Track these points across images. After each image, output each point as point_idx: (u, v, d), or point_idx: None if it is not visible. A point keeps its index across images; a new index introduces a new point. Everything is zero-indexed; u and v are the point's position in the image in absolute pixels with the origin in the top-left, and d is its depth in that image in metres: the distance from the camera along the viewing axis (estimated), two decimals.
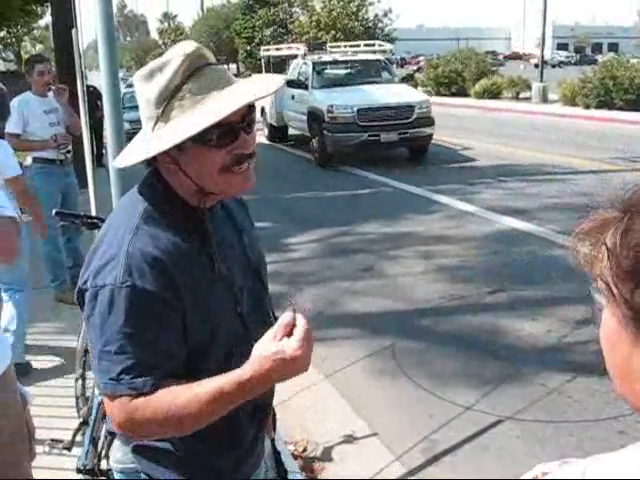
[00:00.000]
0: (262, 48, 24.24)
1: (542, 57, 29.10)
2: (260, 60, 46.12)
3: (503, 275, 6.61)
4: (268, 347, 1.38)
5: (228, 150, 1.45)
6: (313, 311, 5.86)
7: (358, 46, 19.24)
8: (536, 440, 3.87)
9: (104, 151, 12.81)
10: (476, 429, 4.00)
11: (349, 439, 3.95)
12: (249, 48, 47.55)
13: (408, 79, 19.96)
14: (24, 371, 4.36)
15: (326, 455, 3.82)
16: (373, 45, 18.84)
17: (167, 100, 1.45)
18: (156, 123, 1.47)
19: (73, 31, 5.20)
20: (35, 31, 40.51)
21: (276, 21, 45.17)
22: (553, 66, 59.48)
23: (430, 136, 13.91)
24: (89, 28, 3.02)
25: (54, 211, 3.44)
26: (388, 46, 18.85)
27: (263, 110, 18.09)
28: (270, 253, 7.37)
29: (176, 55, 1.45)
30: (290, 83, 15.51)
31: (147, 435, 1.53)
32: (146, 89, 1.47)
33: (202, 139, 1.43)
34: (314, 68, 15.59)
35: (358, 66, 16.48)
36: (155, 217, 1.49)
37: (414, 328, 5.58)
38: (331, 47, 19.00)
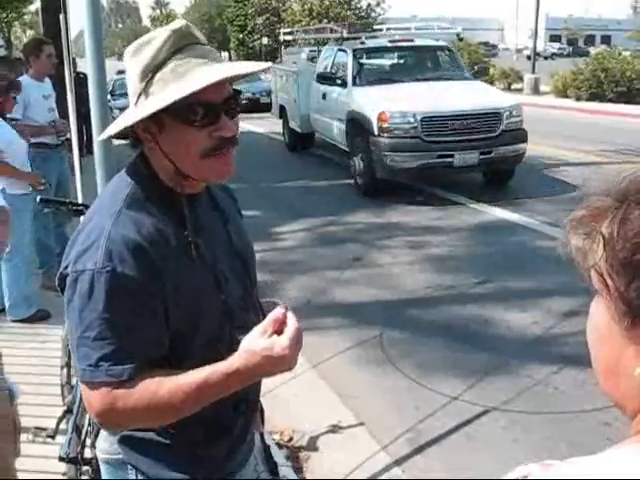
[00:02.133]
0: (282, 32, 19.68)
1: (534, 49, 29.08)
2: (252, 48, 46.03)
3: (491, 266, 6.61)
4: (257, 342, 1.38)
5: (209, 132, 1.43)
6: (301, 300, 5.86)
7: (408, 29, 14.49)
8: (522, 430, 3.88)
9: None
10: (462, 419, 4.01)
11: (335, 428, 3.95)
12: (241, 36, 47.37)
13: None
14: (45, 316, 5.28)
15: (312, 444, 3.81)
16: (432, 28, 14.08)
17: (151, 75, 1.43)
18: (139, 98, 1.45)
19: (61, 16, 5.14)
20: (25, 16, 40.15)
21: (268, 9, 44.94)
22: (545, 58, 59.46)
23: (522, 156, 9.84)
24: (79, 14, 2.99)
25: (38, 198, 3.40)
26: (455, 29, 13.98)
27: (283, 110, 14.48)
28: (259, 242, 7.33)
29: (163, 31, 1.45)
30: (320, 78, 12.07)
31: (126, 425, 1.50)
32: (132, 64, 1.46)
33: (183, 117, 1.41)
34: (355, 57, 11.26)
35: (414, 55, 12.20)
36: (138, 202, 1.47)
37: (402, 318, 5.57)
38: (372, 30, 13.89)
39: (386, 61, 12.26)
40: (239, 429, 1.67)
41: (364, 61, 11.66)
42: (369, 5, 38.96)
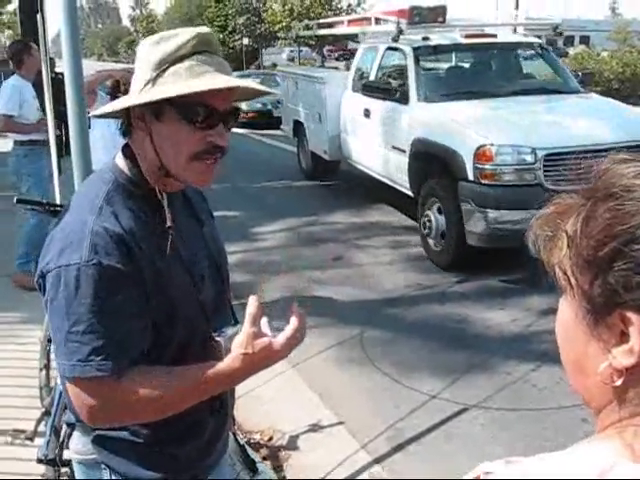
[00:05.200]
0: (296, 26, 14.66)
1: None
2: (233, 49, 45.91)
3: (471, 264, 6.64)
4: (255, 343, 1.41)
5: (203, 136, 1.45)
6: (281, 300, 5.86)
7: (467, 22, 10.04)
8: (500, 428, 3.91)
9: None
10: (441, 417, 4.03)
11: (315, 428, 3.95)
12: (222, 36, 47.22)
13: None
14: None
15: (292, 444, 3.82)
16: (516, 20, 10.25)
17: (166, 66, 1.45)
18: (145, 85, 1.47)
19: (38, 17, 5.10)
20: (3, 16, 39.74)
21: (249, 9, 44.84)
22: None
23: None
24: (56, 14, 2.98)
25: (15, 198, 3.38)
26: (552, 20, 10.25)
27: (299, 127, 11.14)
28: (239, 242, 7.35)
29: (190, 30, 1.49)
30: (365, 87, 8.66)
31: (115, 421, 1.50)
32: (151, 52, 1.48)
33: (185, 113, 1.44)
34: (417, 60, 7.92)
35: (499, 56, 8.84)
36: (118, 198, 1.48)
37: (382, 317, 5.60)
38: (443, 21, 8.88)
39: (461, 65, 9.04)
40: (213, 427, 1.68)
41: (430, 64, 8.58)
42: (349, 6, 39.02)
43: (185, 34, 1.47)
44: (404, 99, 7.67)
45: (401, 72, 8.19)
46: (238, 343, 1.41)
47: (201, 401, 1.51)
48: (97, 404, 1.40)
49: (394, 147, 7.70)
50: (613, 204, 0.73)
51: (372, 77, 8.86)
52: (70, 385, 1.42)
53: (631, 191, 0.73)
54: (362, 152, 8.97)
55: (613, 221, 0.72)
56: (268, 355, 1.43)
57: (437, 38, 8.39)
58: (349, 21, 11.44)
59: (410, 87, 7.69)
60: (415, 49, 8.01)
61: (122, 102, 1.50)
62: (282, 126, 12.42)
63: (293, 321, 1.47)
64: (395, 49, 8.54)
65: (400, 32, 8.24)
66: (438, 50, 8.51)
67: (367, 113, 8.55)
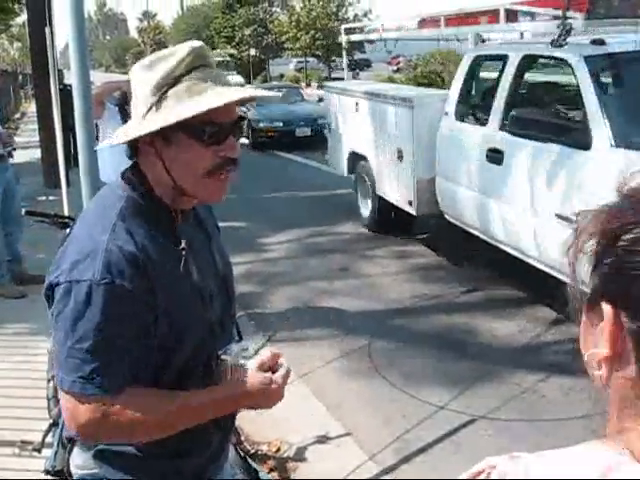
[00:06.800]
0: (377, 24, 11.66)
1: None
2: (240, 60, 46.10)
3: (478, 275, 6.63)
4: (256, 375, 1.51)
5: (215, 151, 1.45)
6: (289, 311, 5.88)
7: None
8: (509, 439, 3.88)
9: None
10: (449, 428, 4.01)
11: (323, 439, 3.94)
12: (229, 47, 47.47)
13: None
14: None
15: (300, 455, 3.81)
16: None
17: (165, 89, 1.44)
18: (148, 111, 1.46)
19: (47, 29, 5.15)
20: (12, 29, 40.02)
21: (256, 20, 45.12)
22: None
23: None
24: (65, 26, 3.01)
25: (24, 210, 3.40)
26: None
27: (359, 161, 8.42)
28: (247, 253, 7.36)
29: (182, 48, 1.47)
30: (511, 120, 5.52)
31: (107, 439, 1.51)
32: (146, 77, 1.47)
33: (194, 133, 1.43)
34: (597, 78, 5.00)
35: None
36: (132, 215, 1.48)
37: (389, 328, 5.59)
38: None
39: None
40: (217, 443, 1.68)
41: (611, 81, 5.27)
42: (356, 16, 39.18)
43: (180, 52, 1.46)
44: (582, 141, 4.87)
45: (562, 96, 5.62)
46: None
47: None
48: (90, 422, 1.41)
49: (560, 216, 4.77)
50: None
51: (500, 102, 5.88)
52: (67, 397, 1.43)
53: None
54: (486, 214, 6.04)
55: (605, 220, 0.77)
56: (266, 390, 1.54)
57: (610, 43, 5.24)
58: (448, 19, 7.65)
59: (592, 122, 4.84)
60: (588, 59, 5.08)
61: (131, 132, 1.47)
62: (328, 156, 9.76)
63: (285, 363, 1.62)
64: (535, 58, 5.93)
65: (568, 32, 5.30)
66: (619, 61, 5.19)
67: (498, 157, 5.72)
